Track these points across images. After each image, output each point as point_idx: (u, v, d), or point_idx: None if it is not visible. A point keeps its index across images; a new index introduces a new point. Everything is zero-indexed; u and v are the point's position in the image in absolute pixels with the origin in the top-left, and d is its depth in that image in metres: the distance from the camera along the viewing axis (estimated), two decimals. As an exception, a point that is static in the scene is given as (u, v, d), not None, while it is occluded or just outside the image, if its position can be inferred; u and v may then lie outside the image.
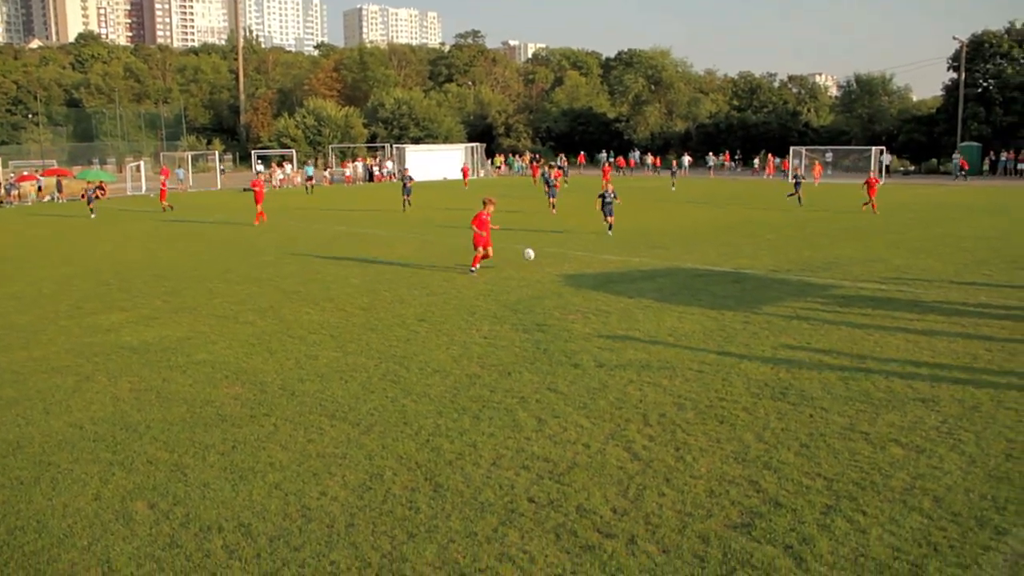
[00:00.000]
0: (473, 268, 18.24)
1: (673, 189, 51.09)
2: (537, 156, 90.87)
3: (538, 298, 15.27)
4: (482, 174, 76.26)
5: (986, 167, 73.72)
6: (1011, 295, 15.63)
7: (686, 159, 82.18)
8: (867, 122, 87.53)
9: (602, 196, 24.81)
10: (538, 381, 9.99)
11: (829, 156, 77.53)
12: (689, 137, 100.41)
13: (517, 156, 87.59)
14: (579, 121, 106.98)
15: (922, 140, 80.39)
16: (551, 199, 35.65)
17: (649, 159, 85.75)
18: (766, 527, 6.37)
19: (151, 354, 11.55)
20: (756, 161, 79.18)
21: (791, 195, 38.78)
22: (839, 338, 12.05)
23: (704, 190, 51.15)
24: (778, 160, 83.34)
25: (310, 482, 7.24)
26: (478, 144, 79.77)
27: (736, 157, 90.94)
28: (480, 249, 18.30)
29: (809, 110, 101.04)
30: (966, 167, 68.85)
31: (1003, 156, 72.84)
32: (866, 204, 33.82)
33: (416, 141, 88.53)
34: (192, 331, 12.91)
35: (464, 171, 60.38)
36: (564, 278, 17.58)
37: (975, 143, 74.61)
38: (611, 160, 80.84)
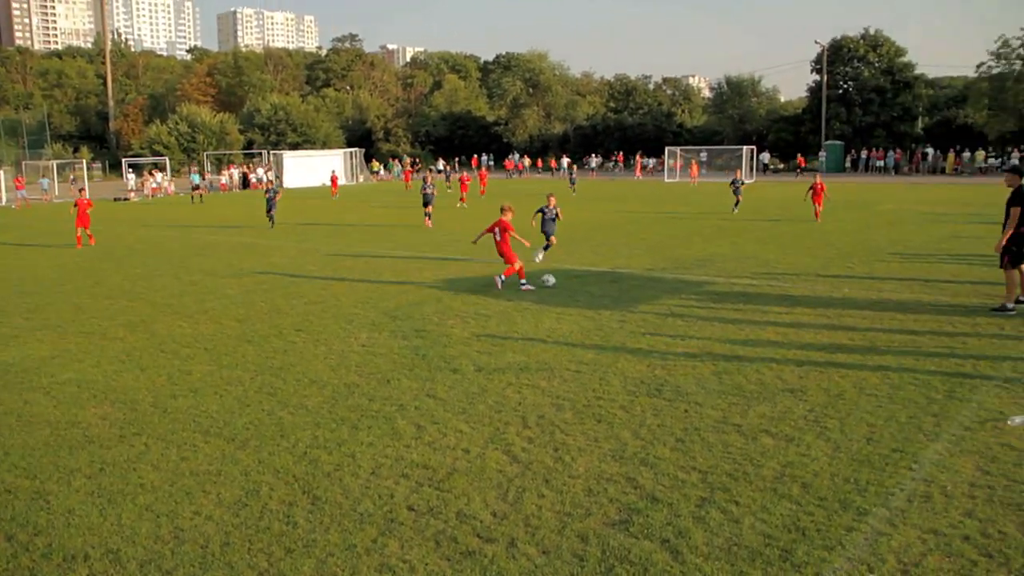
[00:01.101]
0: (524, 281, 16.52)
1: (574, 195, 47.78)
2: (415, 161, 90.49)
3: (417, 304, 15.19)
4: (361, 179, 75.48)
5: (848, 164, 77.14)
6: (871, 286, 16.38)
7: (565, 161, 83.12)
8: (738, 122, 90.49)
9: (541, 211, 19.60)
10: (417, 388, 9.90)
11: (704, 156, 79.63)
12: (567, 139, 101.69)
13: (397, 161, 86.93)
14: (458, 125, 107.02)
15: (790, 139, 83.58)
16: (460, 199, 38.80)
17: (527, 162, 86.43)
18: (643, 523, 6.46)
19: (11, 375, 10.95)
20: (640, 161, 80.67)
21: (736, 204, 33.63)
22: (712, 333, 12.39)
23: (585, 192, 51.89)
24: (652, 161, 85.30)
25: (183, 502, 6.98)
26: (357, 149, 78.89)
27: (614, 159, 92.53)
28: (517, 263, 16.48)
29: (683, 111, 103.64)
30: (803, 164, 72.17)
31: (863, 154, 76.31)
32: (819, 216, 29.26)
33: (294, 147, 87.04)
34: (57, 349, 12.31)
35: (333, 180, 54.01)
36: (444, 283, 17.53)
37: (838, 141, 78.01)
38: (490, 163, 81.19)
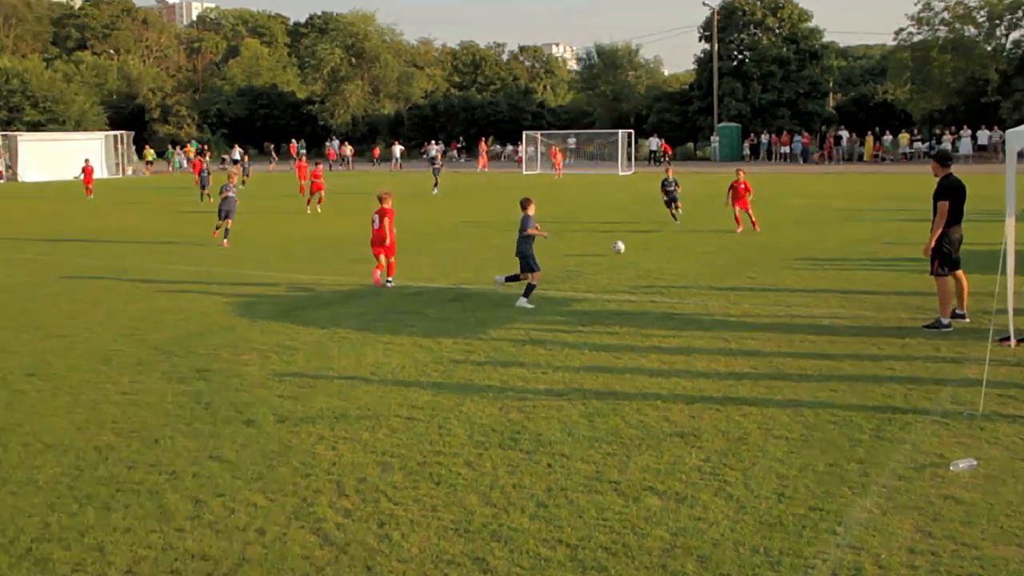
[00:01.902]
0: (391, 280, 18.96)
1: (435, 192, 47.61)
2: (204, 148, 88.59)
3: (201, 334, 14.73)
4: (130, 172, 73.29)
5: (746, 151, 79.87)
6: (777, 300, 16.85)
7: (397, 149, 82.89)
8: (612, 100, 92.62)
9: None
10: (197, 448, 9.46)
11: (572, 142, 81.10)
12: (400, 121, 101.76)
13: (178, 148, 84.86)
14: (261, 103, 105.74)
15: (675, 120, 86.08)
16: (309, 201, 36.98)
17: (349, 150, 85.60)
18: (495, 619, 6.24)
19: None
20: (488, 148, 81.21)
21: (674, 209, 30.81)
22: (582, 364, 12.41)
23: (418, 187, 51.86)
24: (508, 148, 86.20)
25: None
26: (124, 132, 76.64)
27: (461, 145, 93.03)
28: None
29: (544, 87, 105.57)
30: (669, 152, 74.59)
31: (764, 138, 79.14)
32: (740, 224, 27.70)
33: (35, 127, 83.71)
34: None
35: (87, 172, 51.39)
36: (237, 306, 17.19)
37: (734, 124, 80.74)
38: (302, 152, 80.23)
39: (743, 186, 27.43)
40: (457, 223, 32.04)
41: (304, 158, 50.31)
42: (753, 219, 27.35)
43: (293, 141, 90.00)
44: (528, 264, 16.94)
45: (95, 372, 12.55)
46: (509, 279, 17.51)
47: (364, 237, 23.76)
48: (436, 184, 49.26)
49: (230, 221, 26.49)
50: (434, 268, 21.42)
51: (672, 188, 30.27)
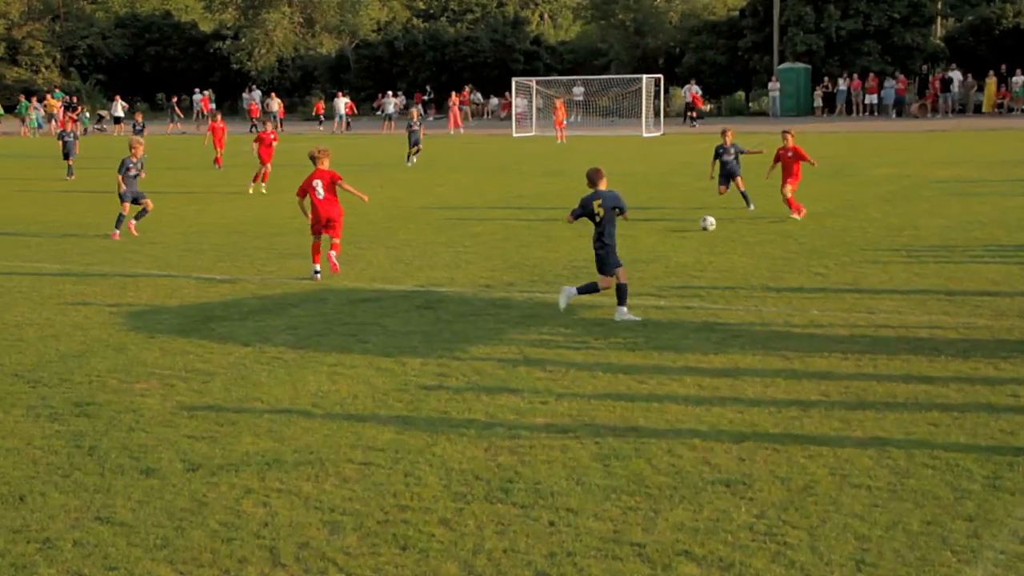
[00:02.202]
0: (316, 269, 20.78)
1: (410, 164, 47.21)
2: (73, 100, 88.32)
3: (79, 356, 14.84)
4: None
5: (818, 102, 79.55)
6: (856, 304, 17.06)
7: (341, 103, 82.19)
8: (634, 34, 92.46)
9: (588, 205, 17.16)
10: (79, 506, 9.63)
11: (579, 92, 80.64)
12: (344, 65, 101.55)
13: (35, 100, 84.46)
14: (149, 37, 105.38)
15: (720, 61, 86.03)
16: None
17: (276, 105, 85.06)
18: None
19: None
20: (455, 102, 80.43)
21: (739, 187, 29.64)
22: (594, 391, 12.60)
23: (371, 156, 51.84)
24: (492, 101, 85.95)
25: None
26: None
27: (427, 97, 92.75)
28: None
29: (541, 17, 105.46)
30: (700, 105, 73.75)
31: (843, 84, 78.67)
32: (796, 208, 26.81)
33: None
34: None
35: None
36: (129, 318, 17.33)
37: (801, 64, 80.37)
38: (215, 109, 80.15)
39: (791, 154, 26.61)
40: (424, 205, 32.07)
41: (219, 117, 49.94)
42: (791, 201, 26.58)
43: (205, 93, 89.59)
44: (608, 262, 16.69)
45: (-64, 407, 12.74)
46: (584, 290, 16.87)
47: (297, 223, 23.90)
48: (413, 153, 48.29)
49: (146, 204, 26.53)
50: (394, 265, 21.56)
51: (732, 159, 29.17)
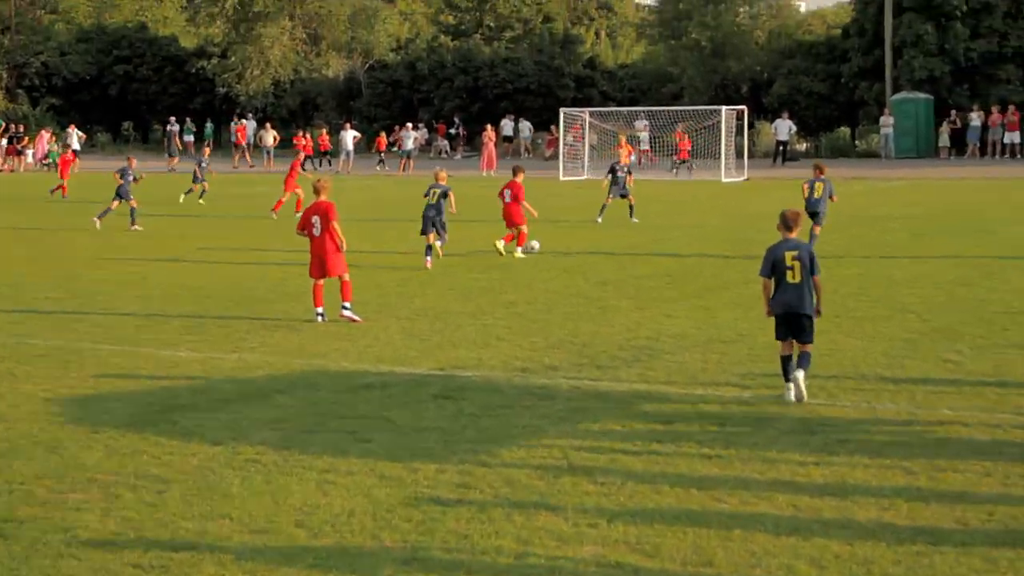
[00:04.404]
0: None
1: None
2: (17, 130, 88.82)
3: (0, 456, 14.51)
4: None
5: (943, 140, 78.69)
6: (1003, 401, 16.63)
7: (349, 137, 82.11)
8: (710, 56, 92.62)
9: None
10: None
11: (643, 128, 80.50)
12: (355, 90, 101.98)
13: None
14: (118, 55, 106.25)
15: (818, 90, 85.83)
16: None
17: (271, 138, 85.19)
18: None
19: None
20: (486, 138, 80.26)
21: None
22: (658, 511, 12.10)
23: (384, 199, 51.82)
24: (525, 132, 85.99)
25: None
26: None
27: (457, 130, 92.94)
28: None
29: (596, 35, 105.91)
30: (685, 155, 72.81)
31: (973, 117, 77.99)
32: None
33: None
34: None
35: None
36: (67, 406, 17.09)
37: (921, 95, 79.88)
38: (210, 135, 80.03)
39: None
40: (446, 263, 31.99)
41: (208, 148, 51.11)
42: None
43: (177, 126, 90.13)
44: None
45: None
46: (806, 365, 16.96)
47: (286, 287, 23.66)
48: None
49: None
50: (407, 341, 21.30)
51: (818, 200, 31.01)
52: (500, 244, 32.75)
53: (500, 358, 19.80)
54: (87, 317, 24.31)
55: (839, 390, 17.34)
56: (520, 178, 34.14)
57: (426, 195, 32.11)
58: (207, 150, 61.21)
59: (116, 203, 38.12)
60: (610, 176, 43.12)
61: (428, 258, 30.38)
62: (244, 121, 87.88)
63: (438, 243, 31.13)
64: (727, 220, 44.07)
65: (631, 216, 41.80)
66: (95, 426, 15.84)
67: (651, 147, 79.49)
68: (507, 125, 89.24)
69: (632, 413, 16.14)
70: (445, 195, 31.99)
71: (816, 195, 30.57)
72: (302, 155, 40.98)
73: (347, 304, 22.12)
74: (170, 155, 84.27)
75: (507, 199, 33.47)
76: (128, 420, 16.12)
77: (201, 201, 51.83)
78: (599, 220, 42.30)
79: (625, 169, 44.37)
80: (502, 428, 15.46)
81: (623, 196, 42.24)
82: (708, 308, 23.73)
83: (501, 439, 14.90)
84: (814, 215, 29.94)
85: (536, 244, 33.81)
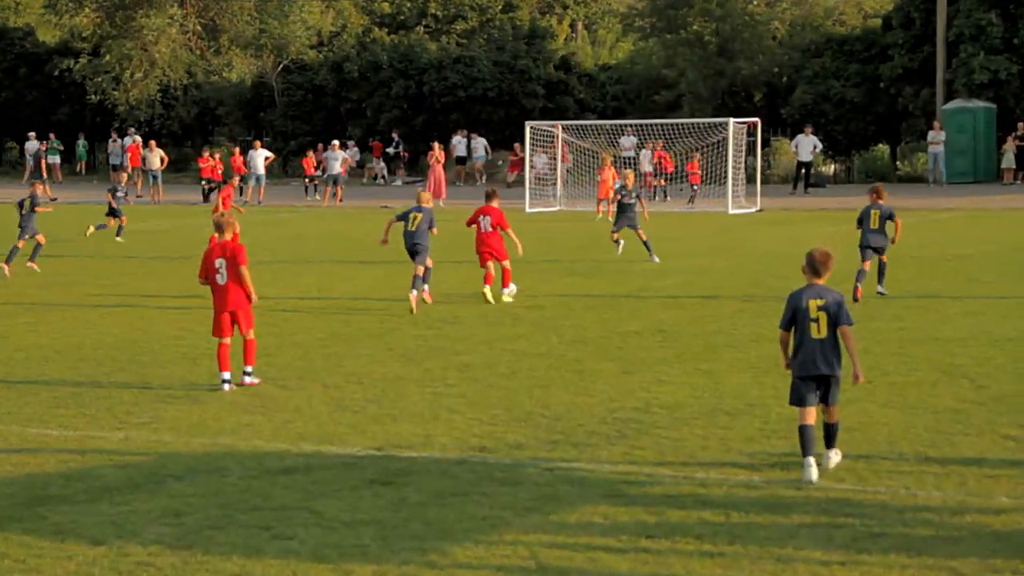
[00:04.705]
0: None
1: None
2: None
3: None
4: None
5: (1007, 160, 77.63)
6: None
7: (260, 157, 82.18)
8: (716, 55, 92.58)
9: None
10: None
11: (630, 144, 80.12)
12: (264, 100, 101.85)
13: None
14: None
15: (851, 97, 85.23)
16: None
17: (157, 160, 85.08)
18: None
19: None
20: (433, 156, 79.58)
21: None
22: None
23: (317, 233, 51.97)
24: (478, 151, 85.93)
25: None
26: None
27: (397, 148, 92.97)
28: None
29: (571, 28, 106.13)
30: (669, 168, 71.96)
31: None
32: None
33: None
34: None
35: None
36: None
37: (981, 103, 79.28)
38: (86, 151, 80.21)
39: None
40: (382, 315, 32.03)
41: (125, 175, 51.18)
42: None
43: (38, 144, 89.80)
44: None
45: None
46: (833, 438, 17.50)
47: (181, 348, 23.73)
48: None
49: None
50: (336, 414, 20.94)
51: (875, 233, 31.62)
52: (487, 290, 33.28)
53: (452, 435, 19.29)
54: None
55: (871, 472, 16.84)
56: (496, 203, 35.04)
57: (401, 218, 33.40)
58: (124, 176, 61.39)
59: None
60: (616, 203, 43.70)
61: (413, 292, 30.88)
62: (135, 138, 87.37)
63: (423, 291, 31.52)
64: (735, 261, 44.03)
65: (651, 256, 42.39)
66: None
67: (654, 171, 77.92)
68: (459, 143, 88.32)
69: (616, 501, 15.57)
70: (431, 224, 33.23)
71: (873, 225, 30.48)
72: (236, 179, 41.19)
73: (249, 369, 21.82)
74: (33, 181, 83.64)
75: (485, 228, 34.15)
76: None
77: (119, 239, 51.86)
78: (618, 252, 43.37)
79: (633, 195, 43.98)
80: (455, 521, 14.82)
81: (631, 227, 42.55)
82: (710, 372, 23.52)
83: (454, 534, 14.29)
84: (874, 249, 29.89)
85: (513, 287, 34.49)
